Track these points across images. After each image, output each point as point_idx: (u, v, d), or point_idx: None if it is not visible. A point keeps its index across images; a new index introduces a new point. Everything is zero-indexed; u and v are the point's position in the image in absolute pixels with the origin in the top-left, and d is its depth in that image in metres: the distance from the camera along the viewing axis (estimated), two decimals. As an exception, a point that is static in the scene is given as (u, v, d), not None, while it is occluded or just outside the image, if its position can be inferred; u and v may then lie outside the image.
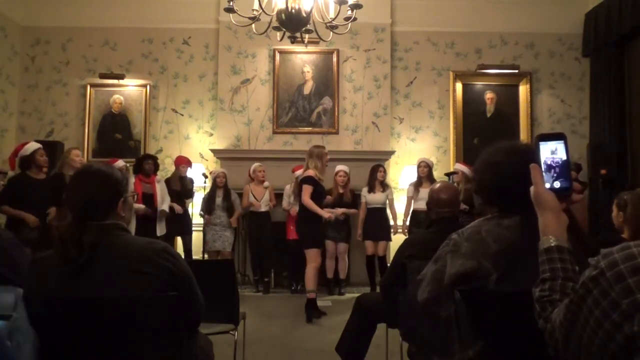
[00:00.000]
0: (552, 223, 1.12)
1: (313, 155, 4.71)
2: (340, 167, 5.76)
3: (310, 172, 4.65)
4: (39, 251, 1.68)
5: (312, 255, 4.67)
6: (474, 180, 1.60)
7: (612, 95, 6.21)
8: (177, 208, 5.70)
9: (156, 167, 5.69)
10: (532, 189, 1.16)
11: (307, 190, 4.58)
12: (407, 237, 5.49)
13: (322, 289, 5.75)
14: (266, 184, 5.98)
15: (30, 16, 6.85)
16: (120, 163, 5.33)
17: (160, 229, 5.52)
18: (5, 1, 6.52)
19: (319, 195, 4.67)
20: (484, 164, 1.53)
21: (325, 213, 4.64)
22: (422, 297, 1.53)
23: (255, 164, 6.01)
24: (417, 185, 5.88)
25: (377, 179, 5.83)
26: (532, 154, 1.45)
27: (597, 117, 6.46)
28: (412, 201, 5.88)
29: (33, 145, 4.54)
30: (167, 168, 6.38)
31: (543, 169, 1.16)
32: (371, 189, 5.83)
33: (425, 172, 5.85)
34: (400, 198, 6.50)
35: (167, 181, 5.89)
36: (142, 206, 5.30)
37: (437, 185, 2.91)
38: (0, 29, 6.52)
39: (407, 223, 5.92)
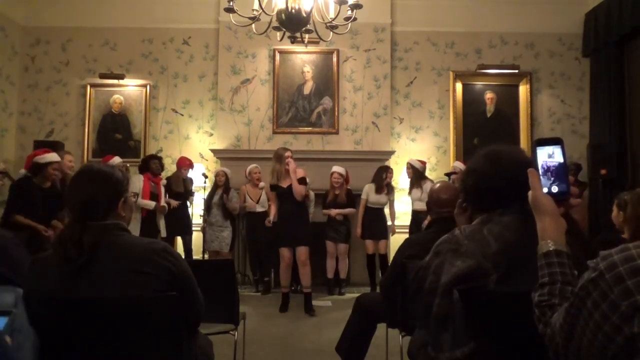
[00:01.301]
0: (550, 227, 1.12)
1: (275, 157, 4.95)
2: (336, 169, 5.73)
3: (271, 179, 4.95)
4: (34, 253, 1.68)
5: (281, 254, 5.00)
6: (460, 189, 1.62)
7: (612, 95, 6.20)
8: (173, 203, 5.76)
9: (162, 167, 5.80)
10: (530, 193, 1.16)
11: (272, 198, 5.12)
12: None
13: (322, 289, 5.77)
14: (262, 184, 5.98)
15: (30, 16, 6.85)
16: (116, 160, 5.37)
17: (163, 229, 5.62)
18: (5, 1, 6.52)
19: (280, 196, 4.93)
20: (465, 172, 1.56)
21: (270, 215, 5.21)
22: (425, 287, 1.54)
23: (251, 166, 6.01)
24: (410, 187, 5.90)
25: (385, 180, 5.82)
26: (510, 155, 1.47)
27: (597, 117, 6.46)
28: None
29: (52, 157, 4.46)
30: (167, 168, 6.37)
31: (540, 174, 1.17)
32: (379, 190, 5.80)
33: (410, 174, 5.87)
34: (401, 199, 6.50)
35: (168, 181, 5.92)
36: (152, 203, 5.42)
37: (437, 185, 2.91)
38: (0, 29, 6.51)
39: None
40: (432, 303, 1.47)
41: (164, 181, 5.82)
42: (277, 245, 5.04)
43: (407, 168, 5.96)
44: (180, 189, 5.88)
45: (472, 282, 1.38)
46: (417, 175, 5.87)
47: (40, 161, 4.40)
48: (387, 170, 5.90)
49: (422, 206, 5.59)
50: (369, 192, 5.80)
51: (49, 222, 4.35)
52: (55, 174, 4.48)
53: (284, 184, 4.84)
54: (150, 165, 5.63)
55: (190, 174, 6.14)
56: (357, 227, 5.80)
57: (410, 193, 5.91)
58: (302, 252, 4.90)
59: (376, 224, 5.77)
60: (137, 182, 5.41)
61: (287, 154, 4.86)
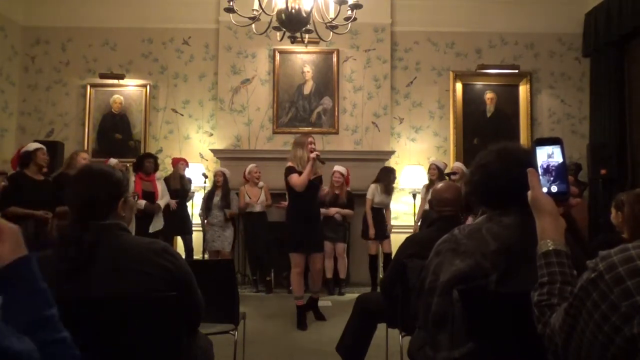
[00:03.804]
0: (549, 227, 1.12)
1: (296, 144, 4.41)
2: (337, 168, 5.71)
3: (290, 163, 4.32)
4: (33, 251, 1.68)
5: (293, 260, 4.40)
6: (467, 183, 1.61)
7: (612, 95, 6.20)
8: (172, 204, 5.72)
9: (156, 165, 5.74)
10: (529, 193, 1.16)
11: (293, 177, 4.24)
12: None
13: (322, 289, 5.75)
14: (261, 184, 5.98)
15: (30, 16, 6.85)
16: (112, 161, 5.36)
17: (155, 225, 5.53)
18: (5, 1, 6.52)
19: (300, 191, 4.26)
20: (475, 166, 1.55)
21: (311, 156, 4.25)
22: (425, 286, 1.55)
23: (251, 165, 6.02)
24: (428, 187, 5.80)
25: (392, 181, 5.84)
26: (523, 154, 1.46)
27: (597, 117, 6.46)
28: (421, 202, 5.89)
29: (36, 145, 4.58)
30: (167, 168, 6.38)
31: (540, 173, 1.17)
32: (387, 191, 5.79)
33: (435, 175, 5.79)
34: (401, 199, 6.50)
35: (166, 180, 5.91)
36: (142, 202, 5.38)
37: (440, 184, 2.94)
38: (0, 29, 6.52)
39: (419, 224, 5.90)
40: (432, 302, 1.48)
41: (159, 177, 5.78)
42: (290, 250, 4.42)
43: (432, 169, 5.84)
44: (177, 186, 5.88)
45: (471, 282, 1.38)
46: (440, 176, 5.81)
47: (28, 149, 4.48)
48: (394, 172, 5.93)
49: None
50: (374, 193, 5.76)
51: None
52: (46, 159, 4.55)
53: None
54: (144, 164, 5.62)
55: (190, 174, 6.14)
56: (370, 227, 5.69)
57: (426, 192, 5.77)
58: (319, 259, 4.51)
59: (380, 224, 5.76)
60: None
61: (310, 139, 4.37)
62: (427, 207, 5.64)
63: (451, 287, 1.41)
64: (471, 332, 1.37)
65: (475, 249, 1.41)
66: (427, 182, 5.95)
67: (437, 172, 5.79)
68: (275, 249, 5.90)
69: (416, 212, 6.15)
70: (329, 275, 5.84)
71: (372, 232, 5.69)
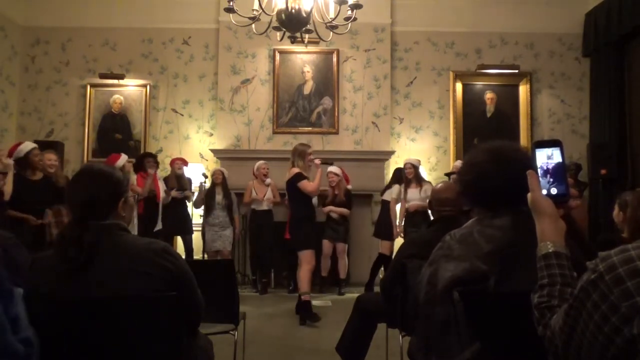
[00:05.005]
0: (549, 229, 1.12)
1: (296, 154, 4.55)
2: (330, 169, 5.69)
3: (296, 170, 4.47)
4: (34, 253, 1.68)
5: (306, 257, 4.50)
6: (458, 182, 1.60)
7: (612, 95, 6.21)
8: (175, 192, 5.76)
9: (157, 164, 5.75)
10: (529, 195, 1.16)
11: (305, 183, 4.44)
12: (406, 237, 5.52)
13: (315, 288, 5.73)
14: (268, 180, 5.96)
15: (30, 16, 6.85)
16: (123, 159, 5.27)
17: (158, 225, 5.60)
18: (5, 1, 6.52)
19: (307, 195, 4.51)
20: (466, 165, 1.54)
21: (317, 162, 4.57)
22: (421, 299, 1.54)
23: (260, 162, 5.99)
24: (406, 186, 5.76)
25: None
26: (515, 154, 1.45)
27: (597, 117, 6.46)
28: (401, 202, 5.84)
29: (27, 146, 4.42)
30: (167, 168, 6.38)
31: (539, 175, 1.17)
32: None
33: (411, 174, 5.75)
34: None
35: (164, 180, 5.91)
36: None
37: (439, 185, 2.94)
38: (0, 29, 6.52)
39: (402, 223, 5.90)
40: (430, 312, 1.47)
41: (159, 177, 5.79)
42: (302, 248, 4.52)
43: (408, 168, 5.81)
44: (174, 185, 5.88)
45: (470, 285, 1.37)
46: (416, 174, 5.81)
47: (20, 155, 4.35)
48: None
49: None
50: (402, 192, 5.73)
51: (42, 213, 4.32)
52: (39, 159, 4.44)
53: None
54: (144, 163, 5.63)
55: (190, 174, 6.13)
56: (394, 227, 5.68)
57: (406, 192, 5.81)
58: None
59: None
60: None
61: (310, 150, 4.59)
62: (406, 205, 5.66)
63: (450, 291, 1.40)
64: (475, 334, 1.37)
65: (469, 253, 1.41)
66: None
67: (413, 171, 5.75)
68: (278, 249, 5.89)
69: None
70: (324, 273, 5.87)
71: (396, 231, 5.70)
